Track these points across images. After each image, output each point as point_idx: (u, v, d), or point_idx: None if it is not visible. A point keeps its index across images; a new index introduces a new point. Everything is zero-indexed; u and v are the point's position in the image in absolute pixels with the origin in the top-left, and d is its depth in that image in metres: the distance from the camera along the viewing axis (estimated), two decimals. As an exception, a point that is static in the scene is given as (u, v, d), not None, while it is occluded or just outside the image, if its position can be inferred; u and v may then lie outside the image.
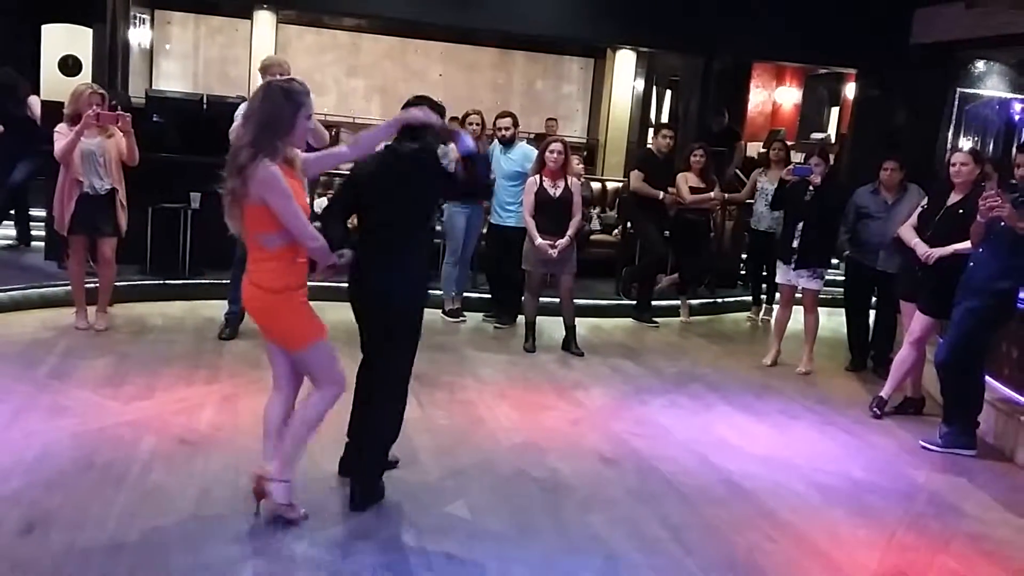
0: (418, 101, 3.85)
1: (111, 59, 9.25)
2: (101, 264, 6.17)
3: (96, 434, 4.30)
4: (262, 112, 3.32)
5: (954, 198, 5.54)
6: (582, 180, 7.69)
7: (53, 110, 6.98)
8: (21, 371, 5.14)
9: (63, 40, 7.71)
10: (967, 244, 5.19)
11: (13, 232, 8.24)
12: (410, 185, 3.76)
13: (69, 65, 7.61)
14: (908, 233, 5.70)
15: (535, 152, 6.99)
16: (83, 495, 3.66)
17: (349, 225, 4.12)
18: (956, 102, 10.66)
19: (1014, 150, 6.54)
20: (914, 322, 5.62)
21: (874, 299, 6.85)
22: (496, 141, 7.30)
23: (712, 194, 7.99)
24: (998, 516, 4.34)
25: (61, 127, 5.91)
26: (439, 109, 3.93)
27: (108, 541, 3.31)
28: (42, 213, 7.62)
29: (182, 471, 3.98)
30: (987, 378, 5.30)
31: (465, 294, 7.58)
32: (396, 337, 3.86)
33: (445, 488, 4.05)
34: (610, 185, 9.99)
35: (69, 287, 6.31)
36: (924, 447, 5.16)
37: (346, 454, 4.03)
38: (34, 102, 7.80)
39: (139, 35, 11.58)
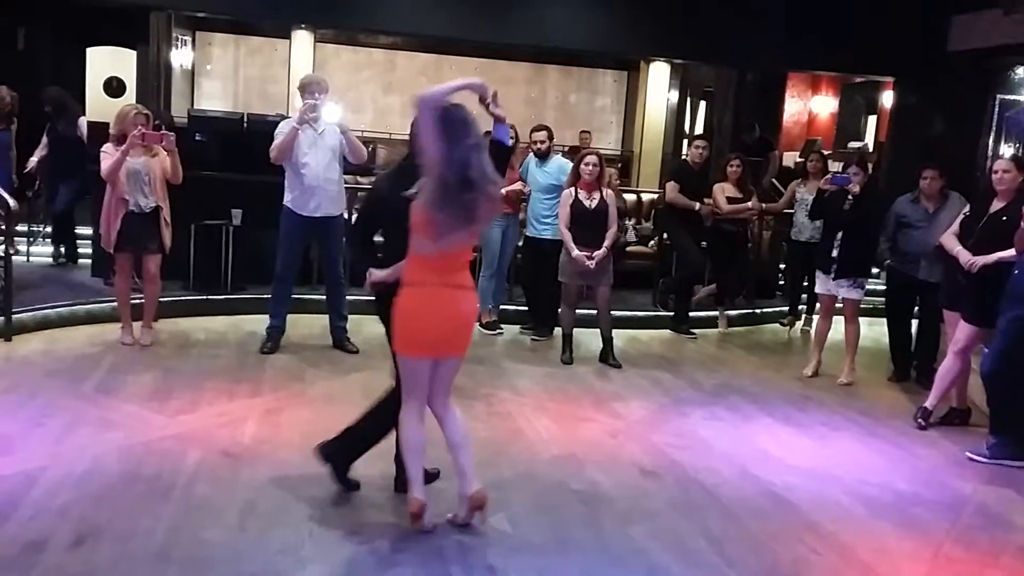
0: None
1: (154, 80, 9.45)
2: (146, 280, 6.29)
3: (143, 447, 4.38)
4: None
5: (997, 205, 5.47)
6: (616, 191, 7.70)
7: (98, 130, 7.15)
8: (69, 386, 5.25)
9: (107, 62, 7.91)
10: (1011, 252, 5.10)
11: (61, 249, 8.42)
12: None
13: (113, 86, 7.80)
14: (950, 241, 5.63)
15: (570, 165, 7.01)
16: (131, 508, 3.73)
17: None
18: (996, 109, 10.50)
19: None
20: (958, 331, 5.54)
21: (916, 309, 6.76)
22: (531, 154, 7.33)
23: (749, 204, 7.96)
24: (1048, 529, 4.26)
25: (107, 147, 6.05)
26: None
27: (156, 553, 3.37)
28: (89, 231, 7.79)
29: (227, 484, 4.04)
30: (1035, 388, 5.21)
31: (502, 307, 7.61)
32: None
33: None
34: (645, 197, 9.97)
35: (115, 303, 6.45)
36: (971, 459, 5.07)
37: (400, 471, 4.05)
38: (82, 123, 7.98)
39: (181, 56, 11.82)
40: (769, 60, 10.90)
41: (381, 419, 3.95)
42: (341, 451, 4.00)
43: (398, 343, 3.64)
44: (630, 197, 9.72)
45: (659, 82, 12.53)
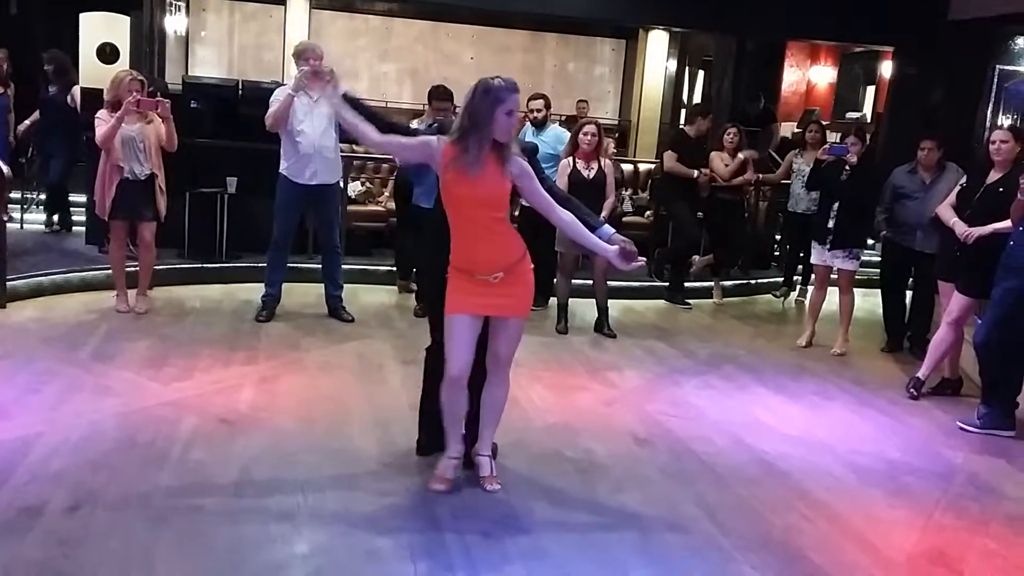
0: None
1: (148, 46, 9.38)
2: (141, 248, 6.28)
3: (139, 414, 4.39)
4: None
5: (994, 176, 5.47)
6: (613, 161, 7.68)
7: (92, 97, 7.09)
8: (65, 353, 5.25)
9: (101, 28, 7.81)
10: (1007, 223, 5.11)
11: (55, 218, 8.39)
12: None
13: (107, 53, 7.70)
14: (946, 212, 5.63)
15: (567, 134, 6.98)
16: (127, 474, 3.75)
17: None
18: (995, 79, 10.45)
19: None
20: (952, 302, 5.55)
21: (911, 279, 6.77)
22: (528, 123, 7.29)
23: (747, 175, 7.94)
24: (1038, 497, 4.30)
25: (102, 113, 6.00)
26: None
27: (152, 519, 3.39)
28: (83, 198, 7.75)
29: (222, 450, 4.05)
30: (1027, 359, 5.23)
31: (498, 276, 7.60)
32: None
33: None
34: (642, 167, 9.94)
35: (110, 271, 6.43)
36: (962, 428, 5.11)
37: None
38: (75, 91, 7.91)
39: (175, 22, 11.71)
40: (768, 28, 10.83)
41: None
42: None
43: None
44: (627, 167, 9.68)
45: (658, 51, 12.43)
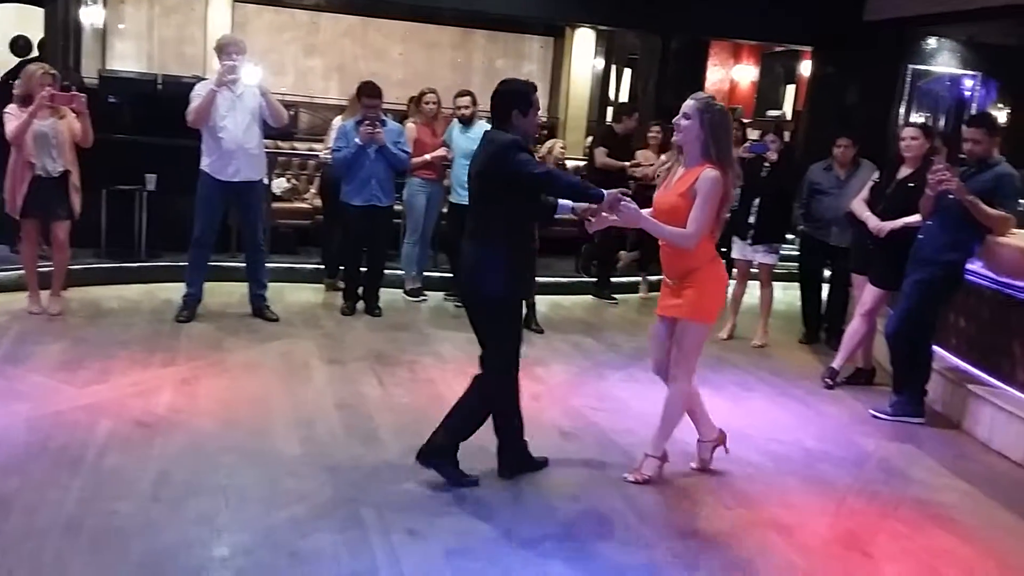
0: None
1: (63, 39, 9.09)
2: (55, 247, 6.09)
3: (51, 418, 4.27)
4: None
5: (904, 172, 5.65)
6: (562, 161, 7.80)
7: (1, 91, 6.86)
8: (-26, 357, 5.08)
9: (13, 20, 7.58)
10: (917, 217, 5.29)
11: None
12: (478, 167, 4.03)
13: (20, 45, 7.47)
14: (860, 207, 5.81)
15: (494, 131, 6.99)
16: (39, 479, 3.64)
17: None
18: (908, 79, 10.83)
19: (963, 125, 6.67)
20: (865, 294, 5.73)
21: (827, 273, 6.97)
22: (456, 120, 7.29)
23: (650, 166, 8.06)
24: (945, 481, 4.47)
25: (11, 108, 5.81)
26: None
27: (65, 525, 3.30)
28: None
29: (140, 454, 3.96)
30: (935, 348, 5.43)
31: (425, 273, 7.59)
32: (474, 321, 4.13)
33: (405, 465, 4.04)
34: (570, 164, 10.00)
35: (21, 271, 6.23)
36: (874, 416, 5.29)
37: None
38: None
39: (91, 14, 11.34)
40: (692, 28, 11.00)
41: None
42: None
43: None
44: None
45: (585, 49, 12.54)
